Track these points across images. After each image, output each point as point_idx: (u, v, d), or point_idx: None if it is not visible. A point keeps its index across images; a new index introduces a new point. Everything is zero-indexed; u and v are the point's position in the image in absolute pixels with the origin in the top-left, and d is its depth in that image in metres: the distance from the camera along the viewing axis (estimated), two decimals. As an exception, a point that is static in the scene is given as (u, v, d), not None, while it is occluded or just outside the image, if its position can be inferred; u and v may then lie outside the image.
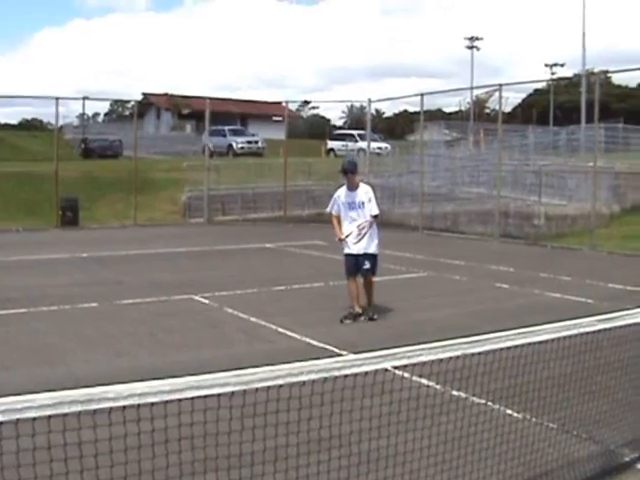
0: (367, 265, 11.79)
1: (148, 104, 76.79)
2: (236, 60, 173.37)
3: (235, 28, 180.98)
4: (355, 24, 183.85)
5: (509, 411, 6.66)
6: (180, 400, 3.65)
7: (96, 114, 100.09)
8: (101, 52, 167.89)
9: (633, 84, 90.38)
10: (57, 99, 29.29)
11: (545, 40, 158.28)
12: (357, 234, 11.73)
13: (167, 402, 3.63)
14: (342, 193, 12.09)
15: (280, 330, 10.97)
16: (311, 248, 21.79)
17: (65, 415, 3.39)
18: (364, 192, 11.94)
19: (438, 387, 6.87)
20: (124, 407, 3.51)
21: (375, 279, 12.15)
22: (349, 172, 11.96)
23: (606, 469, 5.92)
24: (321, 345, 9.95)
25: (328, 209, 12.45)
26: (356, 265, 11.84)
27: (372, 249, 11.90)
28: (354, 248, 11.81)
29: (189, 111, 69.36)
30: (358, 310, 11.80)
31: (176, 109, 75.57)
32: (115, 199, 31.33)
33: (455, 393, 6.61)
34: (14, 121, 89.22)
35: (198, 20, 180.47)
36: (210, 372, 3.78)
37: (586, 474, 5.79)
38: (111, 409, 3.49)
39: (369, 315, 11.84)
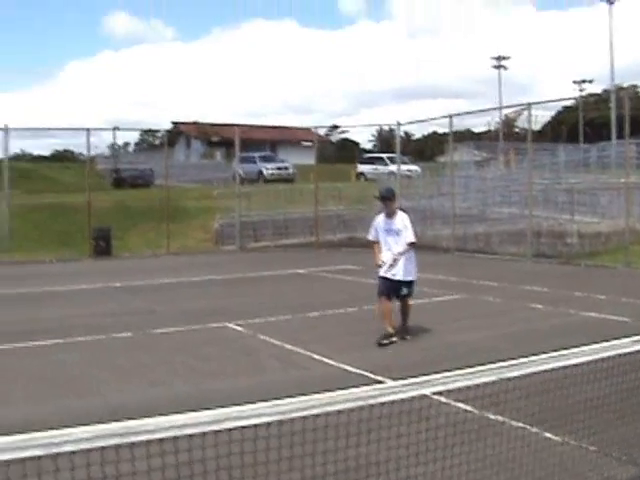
0: (405, 291, 12.02)
1: (178, 133, 77.46)
2: (262, 87, 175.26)
3: (261, 55, 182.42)
4: (381, 47, 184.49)
5: (548, 434, 6.60)
6: (217, 431, 3.65)
7: (127, 144, 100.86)
8: (130, 83, 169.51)
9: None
10: (88, 130, 29.66)
11: (572, 57, 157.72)
12: (391, 262, 11.84)
13: (205, 433, 3.63)
14: (380, 219, 12.24)
15: (315, 356, 10.94)
16: (344, 273, 21.79)
17: (103, 448, 3.39)
18: (400, 219, 12.03)
19: (475, 412, 6.83)
20: (162, 439, 3.52)
21: (411, 302, 12.34)
22: (387, 199, 12.15)
23: (648, 491, 5.85)
24: (357, 370, 9.91)
25: (368, 236, 12.50)
26: (390, 288, 11.93)
27: (410, 276, 12.08)
28: (388, 273, 11.91)
29: (218, 139, 69.81)
30: (390, 330, 11.83)
31: (205, 137, 76.09)
32: (147, 228, 31.51)
33: (492, 417, 6.57)
34: (46, 153, 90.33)
35: (224, 48, 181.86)
36: (246, 401, 3.77)
37: (628, 497, 5.73)
38: (149, 441, 3.50)
39: (402, 335, 12.00)
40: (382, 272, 12.00)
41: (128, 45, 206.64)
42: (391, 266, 11.82)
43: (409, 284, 12.09)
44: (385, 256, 11.97)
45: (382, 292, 12.02)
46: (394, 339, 11.78)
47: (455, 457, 5.11)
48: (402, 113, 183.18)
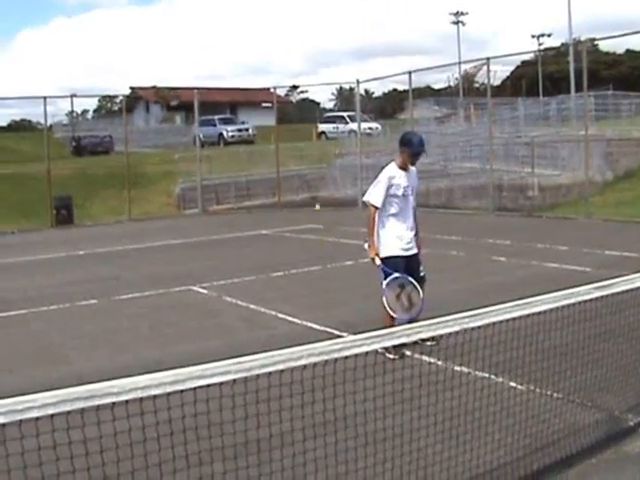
0: (423, 270, 9.12)
1: (136, 98, 76.59)
2: (219, 49, 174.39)
3: (216, 16, 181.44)
4: (336, 5, 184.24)
5: (513, 383, 6.67)
6: (182, 391, 3.65)
7: (85, 111, 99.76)
8: (85, 49, 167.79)
9: (621, 50, 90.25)
10: (45, 98, 29.32)
11: (531, 11, 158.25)
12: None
13: (170, 394, 3.62)
14: (396, 172, 8.79)
15: (280, 316, 10.97)
16: (307, 232, 21.79)
17: (68, 413, 3.38)
18: (416, 174, 9.06)
19: (440, 363, 6.89)
20: (127, 401, 3.51)
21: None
22: (420, 155, 8.85)
23: (611, 435, 5.95)
24: (321, 328, 9.96)
25: (371, 199, 8.81)
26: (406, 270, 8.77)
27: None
28: (401, 248, 8.86)
29: (177, 102, 69.27)
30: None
31: (164, 101, 75.37)
32: (109, 195, 31.33)
33: (458, 368, 6.62)
34: (3, 123, 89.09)
35: (179, 11, 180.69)
36: (211, 362, 3.78)
37: (592, 441, 5.81)
38: (114, 404, 3.49)
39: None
40: (393, 248, 8.82)
41: (82, 11, 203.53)
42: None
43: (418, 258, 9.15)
44: (398, 229, 8.83)
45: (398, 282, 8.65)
46: (427, 343, 7.84)
47: (422, 409, 5.16)
48: (361, 72, 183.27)
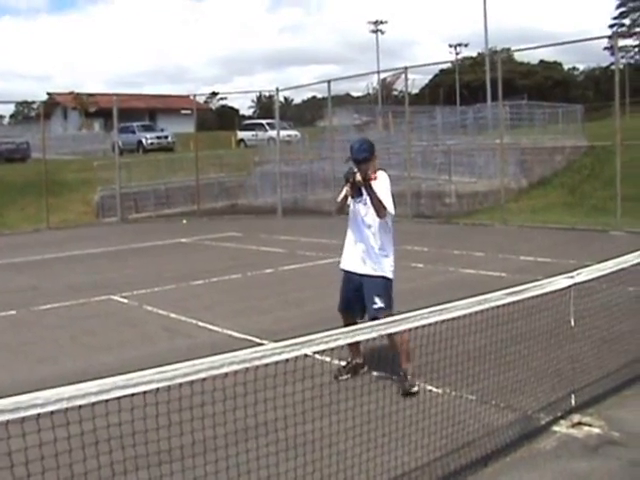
0: (377, 303, 7.56)
1: (54, 104, 75.53)
2: (135, 57, 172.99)
3: (131, 24, 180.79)
4: (250, 13, 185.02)
5: (429, 387, 6.87)
6: (107, 401, 3.72)
7: (0, 117, 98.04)
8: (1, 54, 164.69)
9: (535, 61, 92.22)
10: (-42, 104, 28.77)
11: (447, 21, 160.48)
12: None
13: (94, 404, 3.69)
14: None
15: (201, 324, 11.00)
16: (226, 240, 21.80)
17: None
18: (379, 183, 7.62)
19: (359, 369, 7.03)
20: (52, 412, 3.56)
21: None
22: (361, 162, 7.55)
23: (524, 434, 6.16)
24: (242, 336, 10.02)
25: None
26: (357, 296, 7.80)
27: (381, 269, 7.81)
28: (354, 261, 7.95)
29: (96, 109, 68.51)
30: (358, 360, 7.78)
31: (83, 108, 74.45)
32: (26, 203, 30.83)
33: (375, 373, 6.77)
34: None
35: (93, 19, 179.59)
36: (134, 372, 3.85)
37: (506, 441, 6.02)
38: (39, 415, 3.54)
39: (406, 387, 7.02)
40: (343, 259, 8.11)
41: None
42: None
43: (381, 285, 7.75)
44: (350, 242, 8.08)
45: (344, 303, 8.04)
46: (363, 370, 7.71)
47: (341, 413, 5.30)
48: (277, 79, 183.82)
